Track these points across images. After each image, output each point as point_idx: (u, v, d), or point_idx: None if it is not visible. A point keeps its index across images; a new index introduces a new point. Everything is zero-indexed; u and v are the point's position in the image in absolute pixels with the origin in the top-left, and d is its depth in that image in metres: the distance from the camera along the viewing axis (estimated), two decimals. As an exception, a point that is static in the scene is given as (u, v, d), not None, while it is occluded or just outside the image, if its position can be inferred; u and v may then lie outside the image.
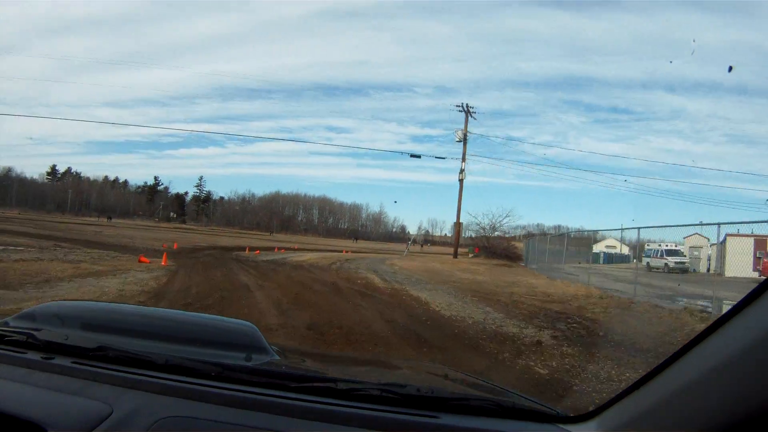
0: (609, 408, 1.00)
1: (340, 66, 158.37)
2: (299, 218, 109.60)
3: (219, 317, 1.62)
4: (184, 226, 75.92)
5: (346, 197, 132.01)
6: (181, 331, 1.34)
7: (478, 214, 35.07)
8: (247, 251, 23.59)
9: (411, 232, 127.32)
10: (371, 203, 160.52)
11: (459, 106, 33.26)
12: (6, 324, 1.25)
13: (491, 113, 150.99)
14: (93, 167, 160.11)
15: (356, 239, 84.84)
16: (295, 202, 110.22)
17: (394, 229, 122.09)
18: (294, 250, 31.88)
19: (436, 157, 36.08)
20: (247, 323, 1.41)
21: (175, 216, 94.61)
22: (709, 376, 0.77)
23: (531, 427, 1.06)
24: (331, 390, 1.04)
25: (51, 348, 1.13)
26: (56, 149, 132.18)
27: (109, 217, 70.03)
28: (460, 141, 32.99)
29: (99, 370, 1.07)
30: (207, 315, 1.71)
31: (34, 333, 1.16)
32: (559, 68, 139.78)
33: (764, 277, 0.99)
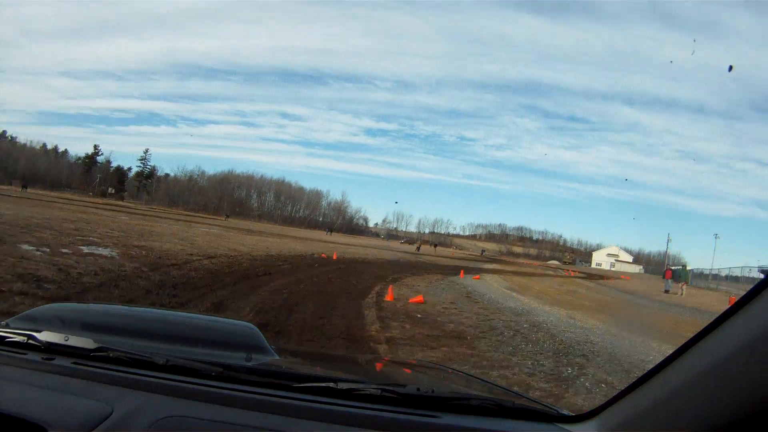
0: (609, 407, 0.99)
1: (303, 52, 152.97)
2: (253, 202, 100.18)
3: (219, 318, 1.68)
4: (120, 203, 67.85)
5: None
6: (181, 331, 1.35)
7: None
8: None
9: (375, 225, 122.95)
10: (332, 191, 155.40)
11: None
12: (6, 325, 1.24)
13: (448, 112, 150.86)
14: (41, 138, 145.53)
15: (330, 232, 70.05)
16: (249, 183, 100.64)
17: (360, 221, 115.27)
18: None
19: None
20: (247, 323, 1.43)
21: (113, 191, 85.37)
22: (709, 375, 0.77)
23: (531, 427, 1.06)
24: (332, 390, 1.04)
25: (51, 349, 1.13)
26: (6, 117, 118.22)
27: (24, 186, 59.26)
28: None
29: (99, 370, 1.07)
30: (207, 315, 1.77)
31: (35, 334, 1.15)
32: (523, 73, 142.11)
33: None
